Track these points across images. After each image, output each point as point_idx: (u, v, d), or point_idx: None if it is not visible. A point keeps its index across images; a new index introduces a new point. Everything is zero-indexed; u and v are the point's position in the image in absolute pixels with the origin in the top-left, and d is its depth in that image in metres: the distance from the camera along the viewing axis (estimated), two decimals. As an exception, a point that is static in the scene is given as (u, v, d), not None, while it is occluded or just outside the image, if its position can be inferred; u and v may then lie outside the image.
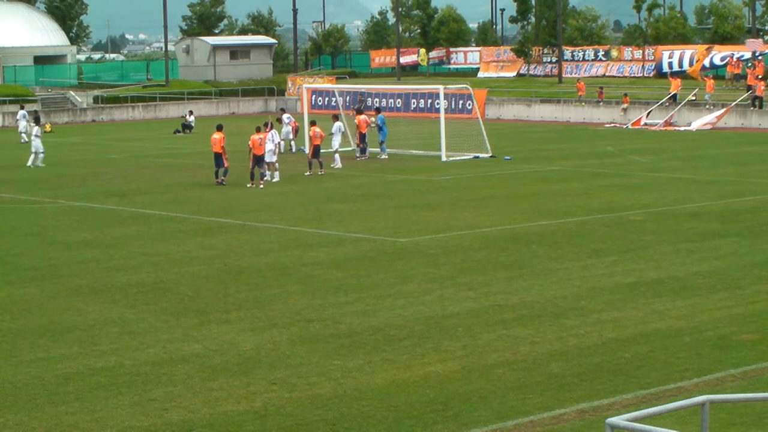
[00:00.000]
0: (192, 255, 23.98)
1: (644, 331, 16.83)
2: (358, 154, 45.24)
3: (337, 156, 41.76)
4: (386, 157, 44.82)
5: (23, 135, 57.21)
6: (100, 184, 38.40)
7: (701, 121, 58.85)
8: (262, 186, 35.80)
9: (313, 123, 41.12)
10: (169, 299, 19.73)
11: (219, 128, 37.41)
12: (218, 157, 36.85)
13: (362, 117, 45.18)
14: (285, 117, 49.72)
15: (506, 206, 30.57)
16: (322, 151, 39.68)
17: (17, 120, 59.80)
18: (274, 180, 37.30)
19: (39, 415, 13.53)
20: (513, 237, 25.47)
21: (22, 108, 62.14)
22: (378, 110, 47.60)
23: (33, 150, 44.85)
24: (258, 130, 36.74)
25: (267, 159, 36.80)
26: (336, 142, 41.95)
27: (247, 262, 23.14)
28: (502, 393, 14.03)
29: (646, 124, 60.89)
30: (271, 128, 38.04)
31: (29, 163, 44.56)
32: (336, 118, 43.49)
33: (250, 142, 36.26)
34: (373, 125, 45.63)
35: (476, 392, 14.06)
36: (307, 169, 39.61)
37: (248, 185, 35.97)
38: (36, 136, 45.02)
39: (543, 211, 29.41)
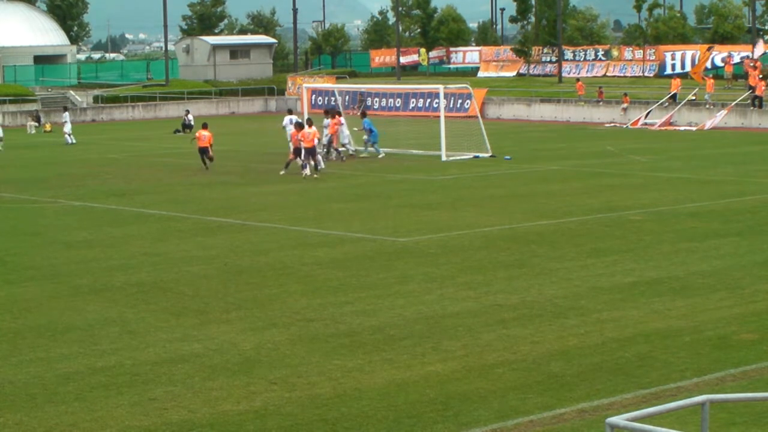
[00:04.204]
0: (192, 255, 23.98)
1: (644, 331, 16.83)
2: (333, 156, 44.99)
3: (318, 157, 41.80)
4: (383, 156, 44.80)
5: (68, 136, 57.14)
6: (100, 183, 38.41)
7: (713, 121, 58.78)
8: (317, 175, 38.16)
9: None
10: (169, 299, 19.73)
11: (205, 126, 42.28)
12: (204, 150, 41.12)
13: (328, 120, 45.04)
14: (287, 118, 49.64)
15: (506, 206, 30.56)
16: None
17: (63, 122, 59.31)
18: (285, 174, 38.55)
19: (39, 415, 13.52)
20: (513, 237, 25.47)
21: (66, 110, 61.61)
22: (364, 114, 47.52)
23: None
24: (310, 124, 39.09)
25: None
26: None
27: (247, 261, 23.13)
28: (502, 393, 14.02)
29: (645, 124, 60.90)
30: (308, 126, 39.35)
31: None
32: (309, 122, 43.40)
33: (300, 136, 38.55)
34: (358, 130, 45.86)
35: (476, 392, 14.06)
36: (283, 168, 39.78)
37: (304, 172, 38.02)
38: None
39: (543, 211, 29.40)
